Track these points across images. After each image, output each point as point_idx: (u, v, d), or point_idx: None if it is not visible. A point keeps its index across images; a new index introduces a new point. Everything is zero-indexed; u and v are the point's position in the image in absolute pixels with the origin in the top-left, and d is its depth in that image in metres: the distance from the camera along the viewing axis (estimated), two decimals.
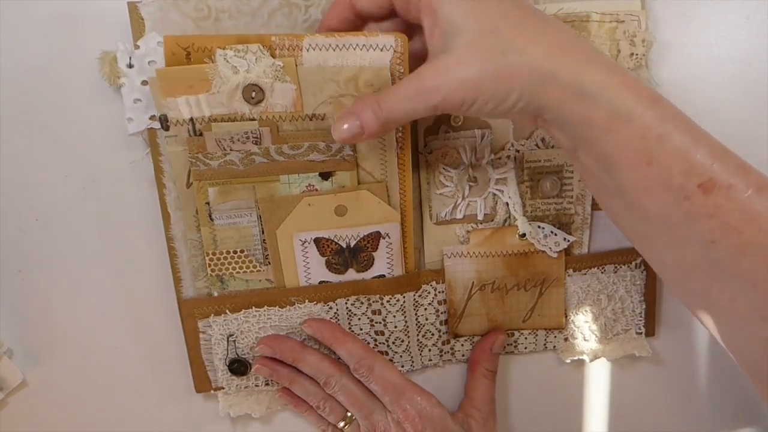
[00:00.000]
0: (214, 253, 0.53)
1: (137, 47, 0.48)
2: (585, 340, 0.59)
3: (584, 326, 0.59)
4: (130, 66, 0.48)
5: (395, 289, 0.56)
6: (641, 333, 0.59)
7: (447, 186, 0.54)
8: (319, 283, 0.55)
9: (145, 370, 0.58)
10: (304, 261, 0.54)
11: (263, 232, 0.53)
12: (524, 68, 0.38)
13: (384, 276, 0.55)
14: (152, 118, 0.50)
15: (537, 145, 0.54)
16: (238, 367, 0.56)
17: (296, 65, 0.47)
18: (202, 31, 0.49)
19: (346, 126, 0.43)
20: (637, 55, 0.52)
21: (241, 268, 0.54)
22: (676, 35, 0.55)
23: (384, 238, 0.54)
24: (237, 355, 0.56)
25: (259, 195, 0.51)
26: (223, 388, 0.57)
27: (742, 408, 0.66)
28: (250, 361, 0.56)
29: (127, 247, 0.55)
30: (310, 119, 0.49)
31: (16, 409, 0.56)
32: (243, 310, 0.55)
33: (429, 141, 0.54)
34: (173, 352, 0.57)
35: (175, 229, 0.53)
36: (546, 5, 0.51)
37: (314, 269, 0.54)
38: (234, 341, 0.56)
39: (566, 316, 0.59)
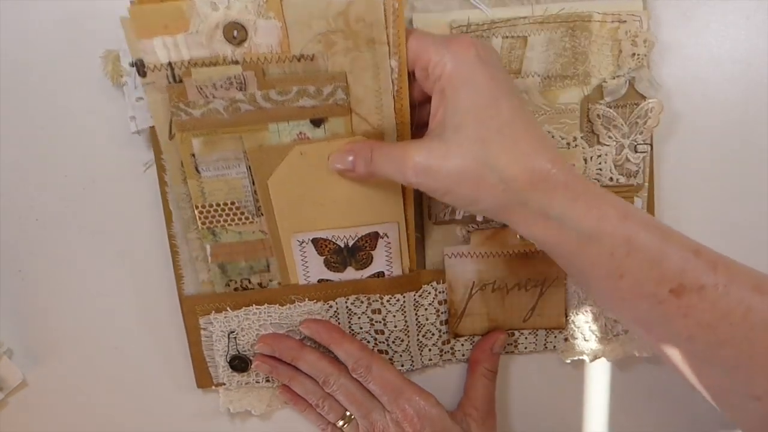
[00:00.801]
0: (203, 206, 0.51)
1: None
2: (585, 340, 0.59)
3: (584, 326, 0.59)
4: (132, 65, 0.48)
5: (395, 289, 0.56)
6: None
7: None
8: (318, 281, 0.55)
9: (145, 370, 0.58)
10: (302, 260, 0.54)
11: (254, 183, 0.50)
12: (499, 188, 0.41)
13: (383, 273, 0.55)
14: None
15: None
16: (239, 363, 0.57)
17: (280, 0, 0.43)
18: None
19: (340, 163, 0.48)
20: (638, 55, 0.52)
21: (233, 220, 0.52)
22: (677, 35, 0.55)
23: (382, 238, 0.53)
24: (238, 351, 0.56)
25: (248, 145, 0.49)
26: (224, 384, 0.58)
27: None
28: (251, 358, 0.57)
29: (127, 247, 0.55)
30: (299, 60, 0.45)
31: (16, 409, 0.56)
32: (243, 308, 0.55)
33: None
34: (173, 350, 0.57)
35: (176, 227, 0.53)
36: (548, 5, 0.51)
37: (313, 268, 0.54)
38: (235, 338, 0.56)
39: (566, 316, 0.59)
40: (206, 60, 0.45)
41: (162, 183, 0.52)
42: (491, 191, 0.41)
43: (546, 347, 0.60)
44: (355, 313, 0.56)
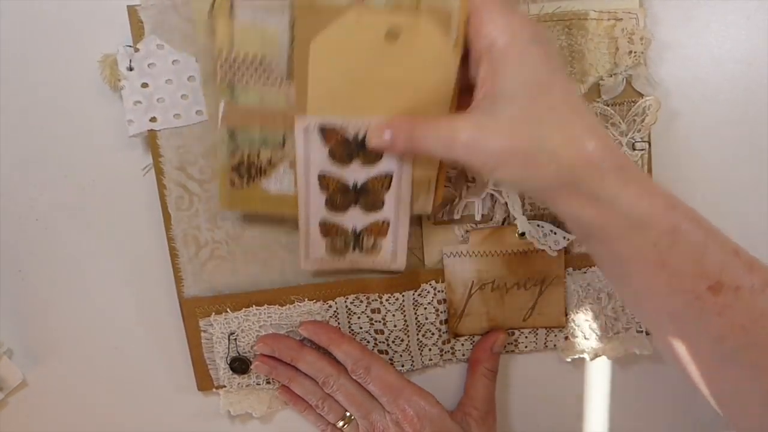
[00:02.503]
0: (228, 56, 0.44)
1: (137, 50, 0.48)
2: (585, 338, 0.59)
3: (584, 324, 0.59)
4: (131, 69, 0.49)
5: (395, 287, 0.56)
6: (642, 331, 0.59)
7: (445, 186, 0.54)
8: (319, 176, 0.48)
9: (145, 370, 0.58)
10: (304, 151, 0.47)
11: (293, 42, 0.44)
12: (550, 168, 0.40)
13: (391, 174, 0.49)
14: (152, 119, 0.50)
15: None
16: (239, 365, 0.57)
17: None
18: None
19: (379, 136, 0.45)
20: (635, 52, 0.52)
21: (258, 78, 0.45)
22: (677, 35, 0.55)
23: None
24: (238, 353, 0.56)
25: None
26: (225, 387, 0.58)
27: None
28: (251, 360, 0.57)
29: (127, 247, 0.55)
30: None
31: (16, 409, 0.56)
32: (243, 309, 0.55)
33: None
34: (173, 350, 0.57)
35: (175, 229, 0.53)
36: (544, 3, 0.51)
37: (315, 160, 0.47)
38: (235, 340, 0.56)
39: (566, 315, 0.59)
40: None
41: (161, 186, 0.52)
42: (542, 170, 0.40)
43: (546, 346, 0.60)
44: (354, 313, 0.56)
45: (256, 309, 0.55)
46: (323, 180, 0.48)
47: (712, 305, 0.40)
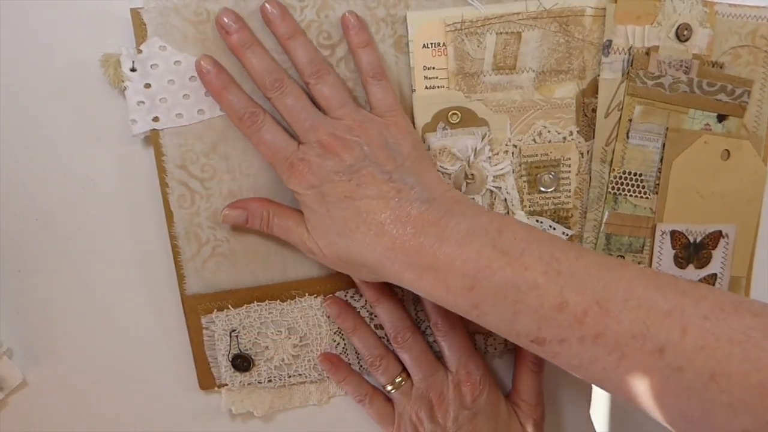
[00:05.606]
0: (619, 172, 0.55)
1: (140, 52, 0.49)
2: None
3: None
4: (134, 70, 0.50)
5: None
6: None
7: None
8: None
9: (146, 370, 0.57)
10: (659, 251, 0.57)
11: (662, 161, 0.55)
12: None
13: (716, 275, 0.58)
14: (155, 119, 0.51)
15: (534, 139, 0.54)
16: (241, 362, 0.56)
17: (715, 13, 0.53)
18: (201, 35, 0.50)
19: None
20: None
21: (635, 191, 0.56)
22: None
23: (723, 238, 0.57)
24: (239, 350, 0.56)
25: (670, 124, 0.55)
26: (227, 385, 0.58)
27: None
28: (253, 357, 0.56)
29: (127, 247, 0.55)
30: (712, 66, 0.54)
31: (16, 409, 0.56)
32: (245, 305, 0.55)
33: (427, 138, 0.54)
34: (174, 349, 0.57)
35: (178, 227, 0.53)
36: (541, 0, 0.52)
37: (664, 260, 0.57)
38: (236, 337, 0.56)
39: None
40: (655, 48, 0.53)
41: (163, 184, 0.52)
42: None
43: None
44: (353, 307, 0.56)
45: (257, 305, 0.55)
46: None
47: (543, 351, 0.43)
